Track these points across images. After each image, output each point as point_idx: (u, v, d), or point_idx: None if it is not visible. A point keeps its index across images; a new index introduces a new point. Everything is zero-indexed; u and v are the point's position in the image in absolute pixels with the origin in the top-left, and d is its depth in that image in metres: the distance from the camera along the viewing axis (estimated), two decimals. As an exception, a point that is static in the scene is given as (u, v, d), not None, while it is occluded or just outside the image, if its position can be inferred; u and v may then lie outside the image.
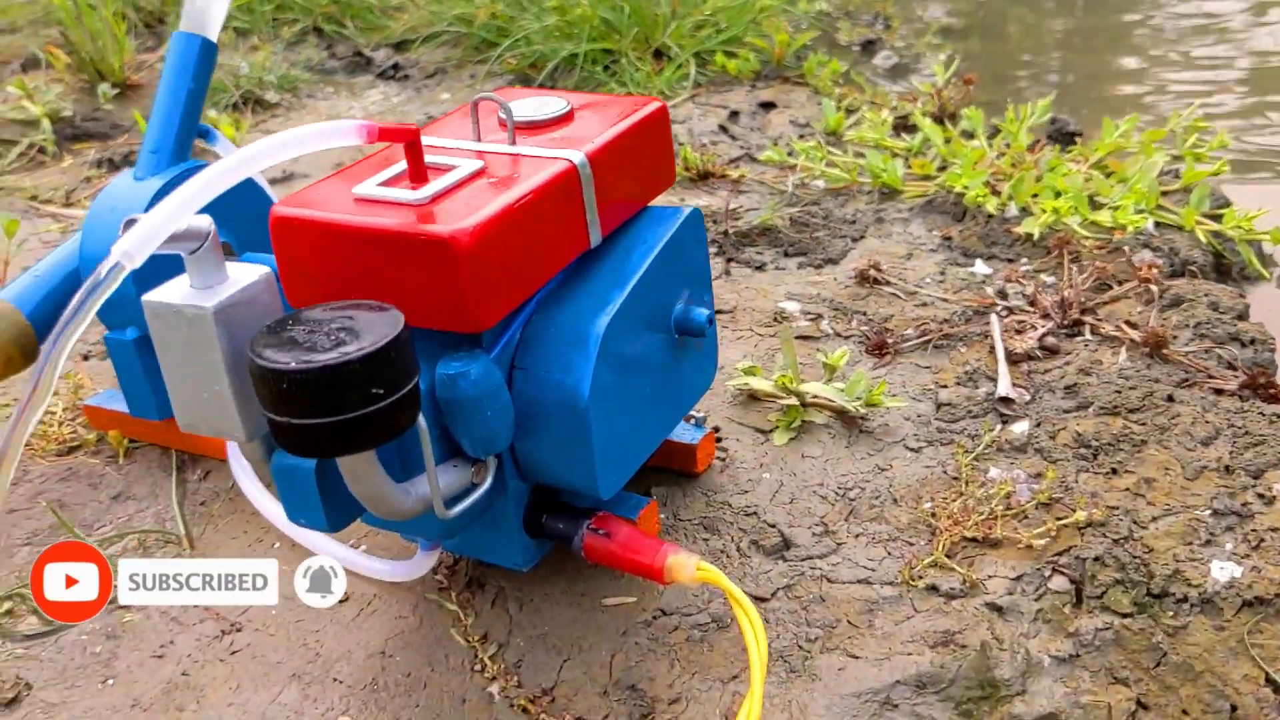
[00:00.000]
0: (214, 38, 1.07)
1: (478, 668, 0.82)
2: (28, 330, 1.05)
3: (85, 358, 1.33)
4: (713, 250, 1.40)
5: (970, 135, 1.67)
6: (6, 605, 0.93)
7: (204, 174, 0.65)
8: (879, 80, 2.14)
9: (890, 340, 1.15)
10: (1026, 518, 0.91)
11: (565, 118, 0.87)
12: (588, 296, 0.79)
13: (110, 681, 0.84)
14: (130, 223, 0.65)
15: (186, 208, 0.63)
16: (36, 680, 0.84)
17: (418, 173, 0.77)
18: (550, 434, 0.78)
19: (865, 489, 0.97)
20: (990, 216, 1.39)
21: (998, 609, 0.83)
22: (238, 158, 0.66)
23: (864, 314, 1.22)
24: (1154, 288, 1.16)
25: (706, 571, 0.77)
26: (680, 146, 1.78)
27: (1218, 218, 1.35)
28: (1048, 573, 0.86)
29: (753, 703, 0.70)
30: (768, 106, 1.93)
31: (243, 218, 1.09)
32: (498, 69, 2.23)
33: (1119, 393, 1.04)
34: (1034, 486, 0.94)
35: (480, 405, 0.73)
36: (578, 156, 0.79)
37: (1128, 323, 1.12)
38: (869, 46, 2.40)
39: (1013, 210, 1.39)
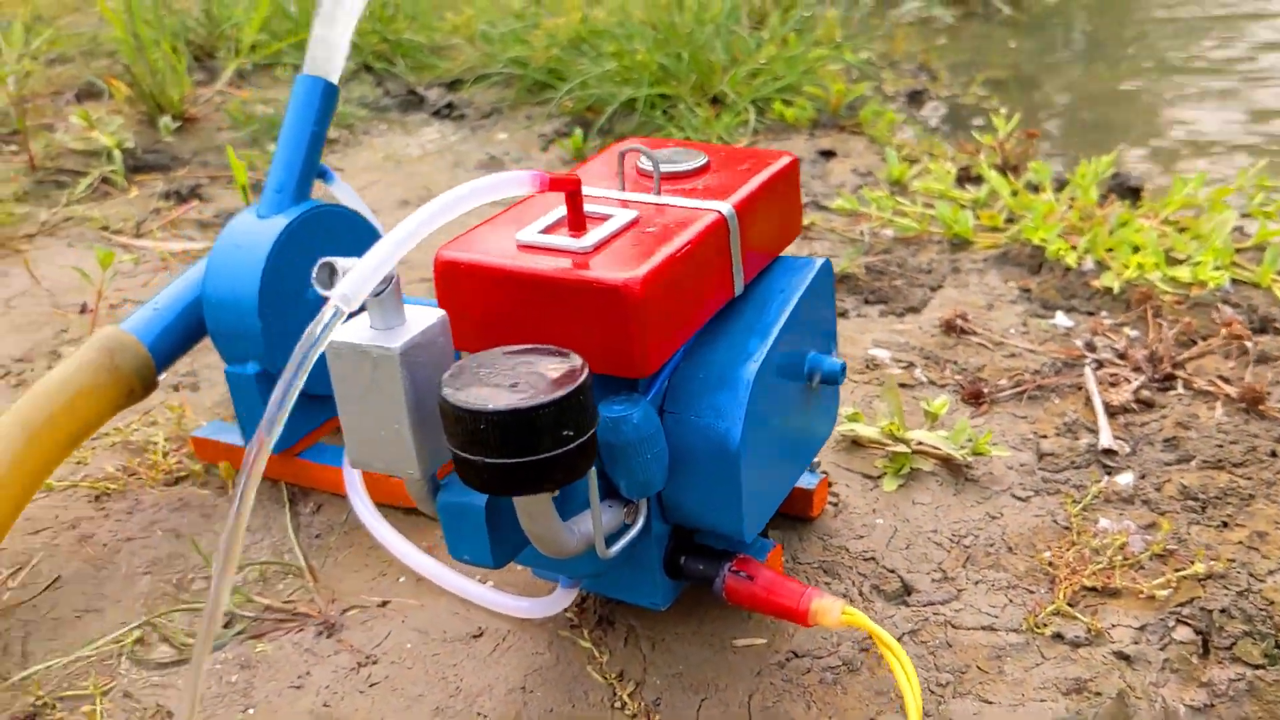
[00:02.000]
0: (335, 80, 1.10)
1: (618, 705, 0.83)
2: (149, 362, 1.07)
3: (176, 388, 1.35)
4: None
5: (1035, 188, 1.70)
6: (136, 634, 0.94)
7: (407, 223, 0.67)
8: (933, 130, 2.17)
9: (985, 390, 1.17)
10: (1143, 568, 0.93)
11: (704, 169, 0.89)
12: (735, 343, 0.82)
13: (250, 710, 0.86)
14: (325, 266, 0.68)
15: (396, 253, 0.65)
16: (177, 709, 0.86)
17: (577, 221, 0.79)
18: (699, 477, 0.79)
19: (979, 536, 0.98)
20: (1068, 269, 1.41)
21: (1125, 657, 0.85)
22: (437, 205, 0.68)
23: (955, 363, 1.25)
24: (1249, 344, 1.18)
25: (852, 615, 0.79)
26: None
27: (1293, 275, 1.37)
28: (1171, 623, 0.87)
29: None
30: (828, 155, 1.96)
31: (353, 252, 1.11)
32: (554, 110, 2.26)
33: (1220, 447, 1.06)
34: (1147, 538, 0.96)
35: (641, 449, 0.75)
36: (725, 208, 0.82)
37: (1221, 378, 1.15)
38: (916, 97, 2.44)
39: (1089, 264, 1.42)
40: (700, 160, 0.89)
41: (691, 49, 2.13)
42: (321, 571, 1.00)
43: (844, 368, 0.88)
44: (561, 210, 0.81)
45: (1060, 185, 1.71)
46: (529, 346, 0.70)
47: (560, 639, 0.89)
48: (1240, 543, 0.94)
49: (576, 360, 0.68)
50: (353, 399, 0.72)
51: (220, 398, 1.31)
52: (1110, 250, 1.44)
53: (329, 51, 1.09)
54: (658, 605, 0.86)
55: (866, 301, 1.42)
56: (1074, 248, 1.45)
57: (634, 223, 0.80)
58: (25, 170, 2.12)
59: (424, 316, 0.72)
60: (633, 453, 0.75)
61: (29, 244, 1.85)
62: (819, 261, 0.90)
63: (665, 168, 0.87)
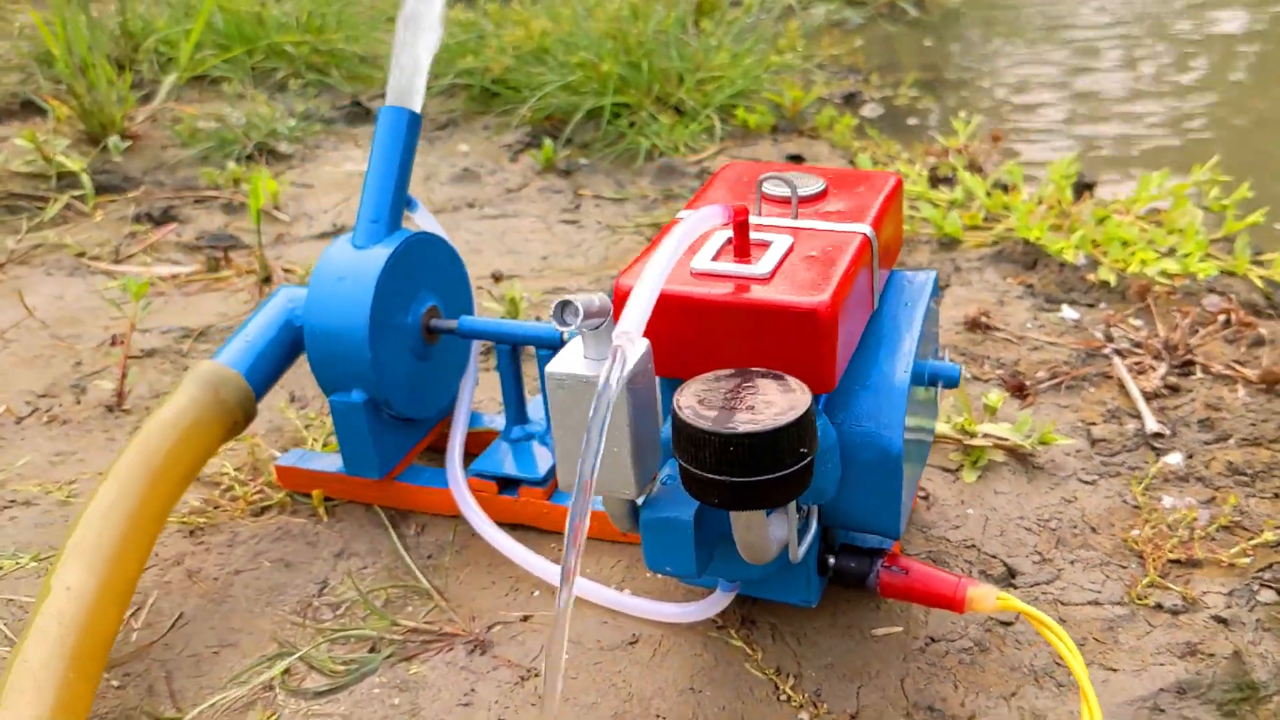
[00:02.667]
0: (418, 109, 1.12)
1: (782, 698, 0.89)
2: (250, 394, 1.08)
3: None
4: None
5: (1004, 187, 1.81)
6: (281, 665, 0.96)
7: (655, 262, 0.71)
8: (887, 134, 2.27)
9: (1027, 383, 1.26)
10: (1214, 539, 1.03)
11: (825, 192, 0.95)
12: (883, 354, 0.88)
13: (428, 731, 0.88)
14: (564, 305, 0.72)
15: (655, 290, 0.70)
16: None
17: (743, 247, 0.84)
18: (861, 481, 0.86)
19: (1062, 520, 1.07)
20: (1064, 265, 1.52)
21: (1222, 621, 0.95)
22: (672, 243, 0.73)
23: (989, 358, 1.34)
24: (1262, 331, 1.30)
25: (1007, 600, 0.86)
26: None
27: (1261, 263, 1.51)
28: (1255, 587, 0.97)
29: (1093, 715, 0.79)
30: (795, 159, 2.04)
31: (442, 278, 1.14)
32: (516, 121, 2.29)
33: (1254, 425, 1.17)
34: (1212, 511, 1.06)
35: (823, 459, 0.81)
36: (867, 229, 0.88)
37: (1237, 362, 1.26)
38: (851, 99, 2.54)
39: (1081, 259, 1.53)
40: (820, 184, 0.95)
41: (649, 58, 2.18)
42: (448, 592, 1.03)
43: (960, 372, 0.96)
44: (716, 237, 0.86)
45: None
46: (741, 371, 0.75)
47: (712, 640, 0.95)
48: (1295, 511, 1.05)
49: (794, 382, 0.73)
50: (571, 426, 0.76)
51: (268, 427, 1.32)
52: (1097, 245, 1.55)
53: (410, 81, 1.11)
54: (809, 603, 0.92)
55: (884, 302, 1.50)
56: (1067, 237, 1.56)
57: (792, 248, 0.86)
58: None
59: (632, 345, 0.76)
60: (816, 462, 0.81)
61: (3, 273, 1.79)
62: (932, 274, 0.97)
63: (797, 191, 0.93)
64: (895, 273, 0.98)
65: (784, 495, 0.71)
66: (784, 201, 0.93)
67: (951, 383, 0.95)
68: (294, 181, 2.12)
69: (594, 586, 0.98)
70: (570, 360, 0.75)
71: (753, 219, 0.91)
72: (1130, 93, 2.49)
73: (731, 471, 0.70)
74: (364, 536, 1.11)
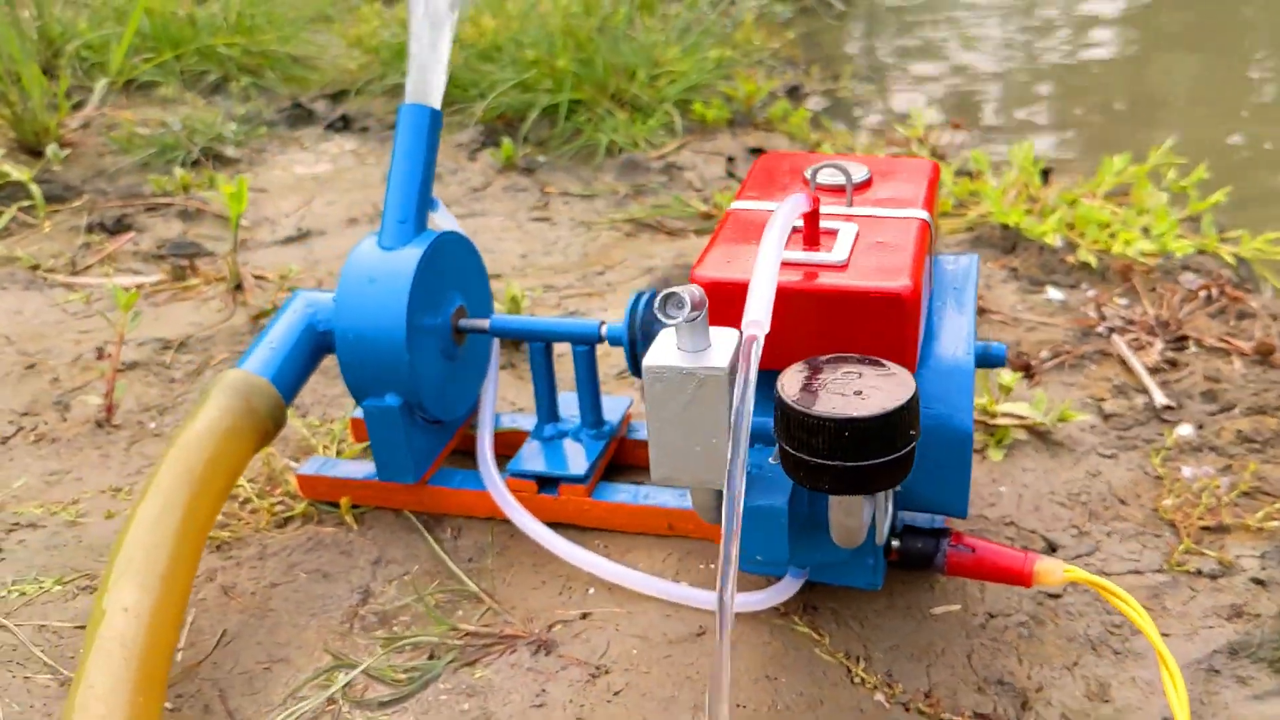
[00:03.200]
0: (438, 106, 1.11)
1: (856, 680, 0.90)
2: (280, 401, 1.05)
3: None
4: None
5: (968, 174, 1.85)
6: (339, 678, 0.94)
7: (765, 253, 0.71)
8: (832, 121, 2.30)
9: (1033, 362, 1.29)
10: (1238, 505, 1.07)
11: (870, 180, 0.96)
12: (946, 337, 0.90)
13: (508, 735, 0.87)
14: (670, 296, 0.71)
15: (771, 281, 0.70)
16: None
17: (813, 236, 0.85)
18: (933, 463, 0.87)
19: (1091, 493, 1.10)
20: (1043, 248, 1.56)
21: (1260, 582, 0.99)
22: (774, 235, 0.73)
23: (989, 339, 1.36)
24: (1254, 304, 1.35)
25: (1073, 572, 0.88)
26: (695, 192, 1.89)
27: (1228, 240, 1.57)
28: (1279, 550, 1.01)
29: (1173, 676, 0.81)
30: (757, 152, 2.06)
31: (467, 278, 1.13)
32: (465, 120, 2.26)
33: (1256, 395, 1.22)
34: (1231, 479, 1.10)
35: (904, 440, 0.82)
36: (923, 213, 0.90)
37: (1228, 335, 1.31)
38: (794, 91, 2.57)
39: (1059, 241, 1.57)
40: (865, 172, 0.97)
41: (601, 54, 2.18)
42: (497, 594, 1.02)
43: (1005, 351, 0.98)
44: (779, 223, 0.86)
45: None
46: (839, 356, 0.75)
47: (778, 628, 0.95)
48: (1309, 475, 1.10)
49: (894, 366, 0.74)
50: (669, 419, 0.76)
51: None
52: (1073, 227, 1.59)
53: (430, 77, 1.10)
54: (876, 586, 0.93)
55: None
56: (1042, 225, 1.60)
57: (859, 235, 0.87)
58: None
59: (727, 337, 0.76)
60: (897, 445, 0.82)
61: (-42, 290, 1.71)
62: (975, 258, 0.99)
63: (840, 182, 0.94)
64: (936, 257, 0.99)
65: (893, 479, 0.72)
66: (837, 190, 0.94)
67: (1000, 362, 0.97)
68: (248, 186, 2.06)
69: (656, 581, 0.98)
70: (666, 353, 0.75)
71: (824, 205, 0.92)
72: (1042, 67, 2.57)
73: (845, 456, 0.70)
74: (399, 542, 1.09)
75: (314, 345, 1.10)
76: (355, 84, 2.48)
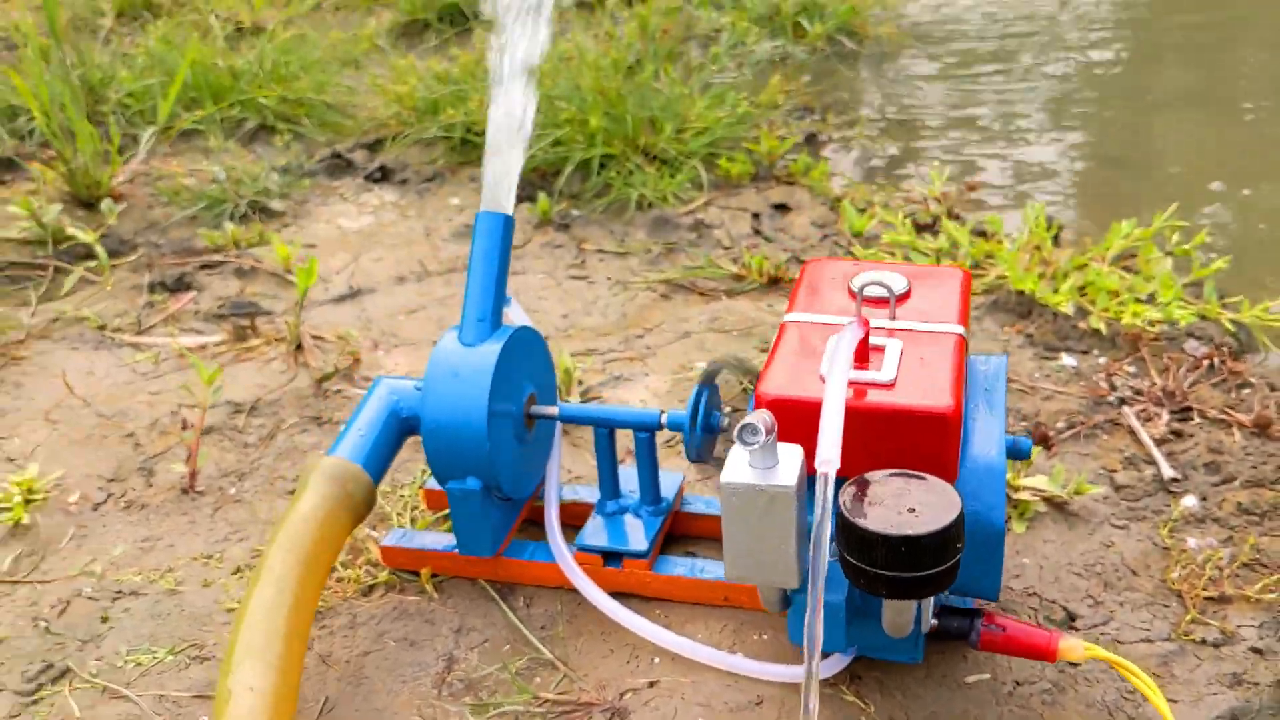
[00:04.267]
0: (510, 213, 1.22)
1: (900, 746, 1.01)
2: (371, 486, 1.16)
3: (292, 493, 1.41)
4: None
5: (982, 234, 1.96)
6: (435, 741, 1.04)
7: (832, 390, 0.82)
8: (850, 174, 2.41)
9: (1050, 433, 1.40)
10: (1239, 576, 1.18)
11: (909, 293, 1.07)
12: (979, 437, 1.00)
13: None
14: (748, 427, 0.82)
15: (839, 415, 0.80)
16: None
17: (863, 354, 0.96)
18: (967, 553, 0.98)
19: (1105, 564, 1.21)
20: (1057, 314, 1.67)
21: (1259, 651, 1.10)
22: (841, 369, 0.84)
23: (1010, 409, 1.47)
24: (1251, 380, 1.46)
25: (1093, 650, 0.99)
26: (724, 251, 2.00)
27: (1228, 306, 1.68)
28: (1278, 620, 1.12)
29: (1184, 748, 0.92)
30: (781, 208, 2.17)
31: (536, 367, 1.24)
32: (500, 173, 2.36)
33: (1255, 468, 1.33)
34: (1232, 550, 1.21)
35: (946, 539, 0.93)
36: (959, 329, 1.01)
37: (1229, 408, 1.42)
38: (811, 139, 2.67)
39: (1071, 308, 1.68)
40: (905, 283, 1.07)
41: (631, 110, 2.28)
42: (570, 661, 1.13)
43: (1030, 446, 1.09)
44: (844, 341, 0.97)
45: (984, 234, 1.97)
46: (894, 472, 0.86)
47: (827, 697, 1.06)
48: (1304, 547, 1.21)
49: (939, 483, 0.85)
50: (743, 527, 0.87)
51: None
52: (1084, 293, 1.70)
53: (503, 188, 1.21)
54: (916, 659, 1.04)
55: (899, 355, 1.64)
56: (1055, 291, 1.71)
57: (904, 351, 0.97)
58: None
59: (792, 454, 0.87)
60: (939, 543, 0.93)
61: (26, 349, 1.82)
62: (1004, 359, 1.10)
63: (882, 293, 1.05)
64: (972, 358, 1.10)
65: (941, 586, 0.83)
66: (881, 302, 1.05)
67: (1026, 455, 1.08)
68: (290, 240, 2.17)
69: (720, 654, 1.08)
70: (740, 471, 0.86)
71: (843, 319, 1.03)
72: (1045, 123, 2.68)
73: (901, 568, 0.81)
74: (477, 611, 1.20)
75: (398, 430, 1.21)
76: (390, 133, 2.58)
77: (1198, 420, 1.43)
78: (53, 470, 1.49)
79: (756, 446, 0.82)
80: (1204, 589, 1.16)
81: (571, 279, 1.97)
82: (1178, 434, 1.40)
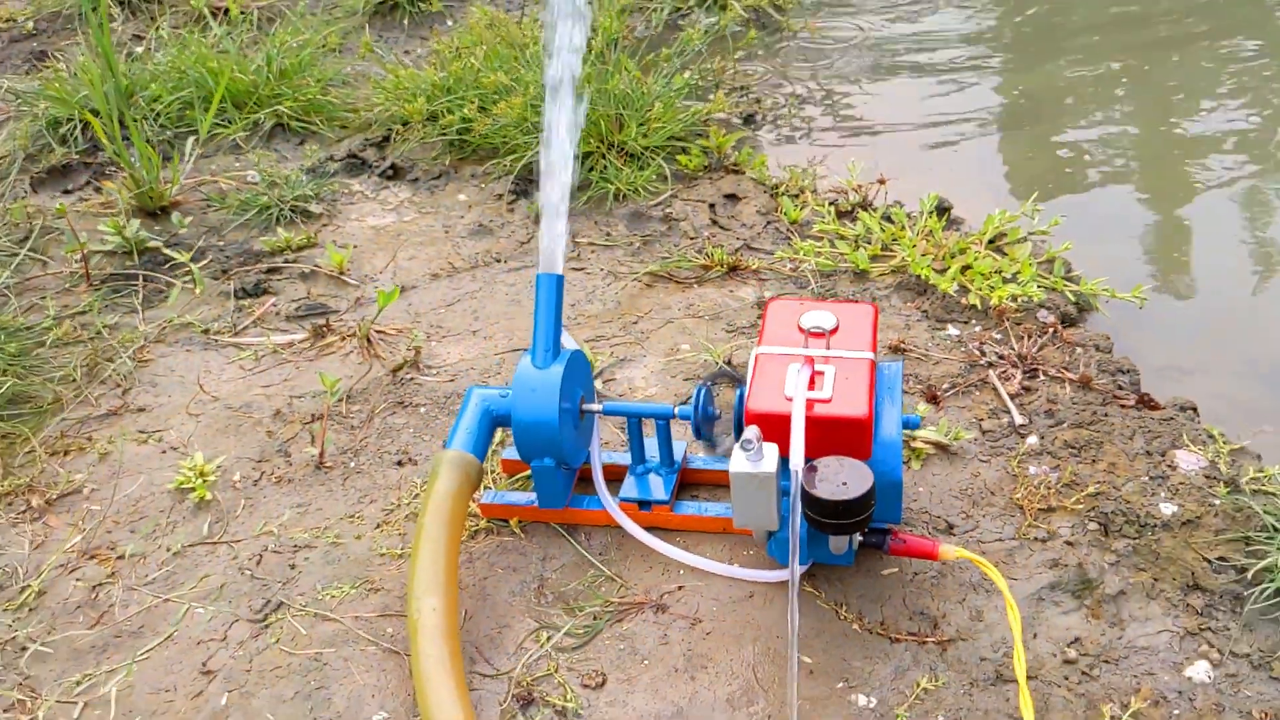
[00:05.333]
0: (561, 272, 1.74)
1: (841, 618, 1.60)
2: (481, 467, 1.71)
3: (399, 463, 1.96)
4: (785, 334, 2.18)
5: (888, 218, 2.52)
6: (544, 635, 1.62)
7: (796, 412, 1.39)
8: (776, 153, 2.94)
9: (938, 392, 1.99)
10: (1062, 493, 1.79)
11: (838, 326, 1.63)
12: (885, 422, 1.58)
13: (658, 653, 1.57)
14: (746, 441, 1.39)
15: (801, 429, 1.37)
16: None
17: (812, 380, 1.52)
18: (880, 496, 1.56)
19: (973, 488, 1.81)
20: (945, 294, 2.25)
21: (1070, 543, 1.70)
22: (802, 399, 1.40)
23: (909, 375, 2.06)
24: (1083, 355, 2.05)
25: (961, 551, 1.58)
26: (689, 241, 2.53)
27: (1073, 280, 2.27)
28: (1087, 522, 1.73)
29: (1014, 618, 1.52)
30: (731, 199, 2.70)
31: (583, 376, 1.78)
32: (495, 172, 2.86)
33: (1078, 414, 1.93)
34: (1058, 474, 1.81)
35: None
36: (869, 355, 1.57)
37: (1064, 367, 2.02)
38: (750, 120, 3.19)
39: (955, 288, 2.26)
40: (834, 319, 1.63)
41: (603, 113, 2.78)
42: (623, 576, 1.70)
43: (919, 420, 1.67)
44: (795, 368, 1.53)
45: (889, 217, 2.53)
46: (832, 459, 1.44)
47: (803, 592, 1.65)
48: (1104, 471, 1.81)
49: (861, 465, 1.43)
50: (743, 497, 1.44)
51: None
52: (965, 273, 2.28)
53: (556, 253, 1.73)
54: (849, 563, 1.63)
55: (830, 332, 2.20)
56: (942, 274, 2.28)
57: (836, 374, 1.54)
58: (72, 281, 2.52)
59: (771, 451, 1.44)
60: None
61: (149, 353, 2.32)
62: (899, 364, 1.67)
63: (819, 327, 1.60)
64: (878, 364, 1.67)
65: (864, 525, 1.41)
66: (818, 334, 1.61)
67: (915, 426, 1.66)
68: (332, 240, 2.66)
69: (723, 566, 1.66)
70: (741, 464, 1.42)
71: (796, 350, 1.58)
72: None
73: (840, 518, 1.39)
74: (554, 545, 1.77)
75: (491, 425, 1.75)
76: (394, 130, 3.04)
77: (1042, 378, 2.02)
78: (211, 456, 2.01)
79: (752, 451, 1.39)
80: (1038, 503, 1.76)
81: (571, 270, 2.50)
82: (1027, 389, 2.00)
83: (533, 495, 1.79)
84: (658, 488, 1.77)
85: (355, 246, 2.63)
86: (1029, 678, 1.49)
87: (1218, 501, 1.73)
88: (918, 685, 1.50)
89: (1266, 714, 1.44)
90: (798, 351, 1.58)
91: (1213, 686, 1.48)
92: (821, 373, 1.53)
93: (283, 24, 3.65)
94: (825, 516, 1.39)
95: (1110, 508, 1.73)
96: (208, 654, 1.63)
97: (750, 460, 1.42)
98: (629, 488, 1.78)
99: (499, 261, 2.55)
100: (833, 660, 1.54)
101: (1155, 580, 1.63)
